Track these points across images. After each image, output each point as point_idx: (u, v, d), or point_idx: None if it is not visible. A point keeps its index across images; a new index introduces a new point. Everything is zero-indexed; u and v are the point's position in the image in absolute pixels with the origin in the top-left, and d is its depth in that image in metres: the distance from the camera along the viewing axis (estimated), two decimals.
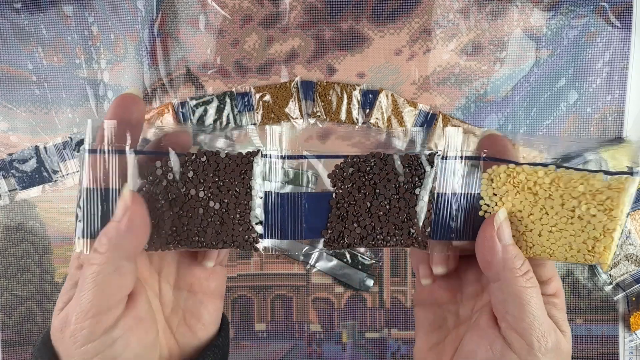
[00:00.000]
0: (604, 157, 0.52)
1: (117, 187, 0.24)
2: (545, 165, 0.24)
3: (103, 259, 0.22)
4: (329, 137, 0.54)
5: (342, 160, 0.26)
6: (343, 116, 0.53)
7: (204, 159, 0.25)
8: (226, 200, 0.25)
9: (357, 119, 0.53)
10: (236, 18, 0.53)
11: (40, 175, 0.53)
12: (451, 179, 0.26)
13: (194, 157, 0.25)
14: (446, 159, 0.26)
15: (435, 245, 0.26)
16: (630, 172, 0.23)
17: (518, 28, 0.52)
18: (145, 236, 0.24)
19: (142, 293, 0.25)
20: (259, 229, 0.27)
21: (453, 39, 0.52)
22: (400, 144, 0.54)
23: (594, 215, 0.23)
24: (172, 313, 0.29)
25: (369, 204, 0.25)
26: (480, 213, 0.25)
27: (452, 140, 0.26)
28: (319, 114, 0.53)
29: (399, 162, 0.26)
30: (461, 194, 0.25)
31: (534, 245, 0.24)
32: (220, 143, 0.51)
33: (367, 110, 0.53)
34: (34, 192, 0.54)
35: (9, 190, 0.54)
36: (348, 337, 0.55)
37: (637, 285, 0.52)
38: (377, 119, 0.53)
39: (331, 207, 0.26)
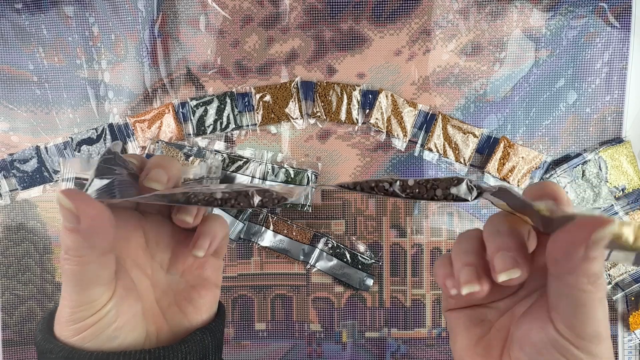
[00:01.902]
0: (603, 158, 0.52)
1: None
2: None
3: (70, 260, 0.24)
4: (328, 137, 0.54)
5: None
6: (343, 116, 0.53)
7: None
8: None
9: (357, 119, 0.53)
10: (236, 19, 0.53)
11: (41, 175, 0.53)
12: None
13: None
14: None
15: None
16: None
17: (517, 28, 0.52)
18: (102, 231, 0.23)
19: (123, 269, 0.27)
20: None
21: (452, 39, 0.52)
22: (399, 144, 0.54)
23: None
24: (163, 294, 0.30)
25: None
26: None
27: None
28: (319, 114, 0.53)
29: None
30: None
31: None
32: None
33: (367, 111, 0.53)
34: (34, 192, 0.54)
35: (10, 190, 0.54)
36: (348, 337, 0.55)
37: (636, 285, 0.52)
38: (377, 119, 0.53)
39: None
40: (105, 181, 0.25)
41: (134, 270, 0.28)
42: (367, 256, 0.54)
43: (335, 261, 0.54)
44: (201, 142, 0.54)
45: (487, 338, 0.27)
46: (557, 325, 0.23)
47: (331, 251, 0.54)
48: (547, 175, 0.53)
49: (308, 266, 0.54)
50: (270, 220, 0.54)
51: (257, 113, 0.53)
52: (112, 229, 0.24)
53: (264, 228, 0.54)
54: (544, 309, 0.24)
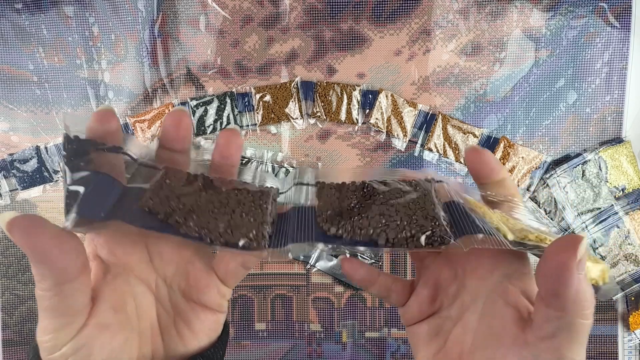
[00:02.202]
0: (604, 158, 0.52)
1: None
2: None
3: (41, 287, 0.23)
4: (328, 137, 0.54)
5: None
6: (343, 116, 0.53)
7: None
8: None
9: (357, 119, 0.53)
10: (236, 19, 0.53)
11: (41, 175, 0.53)
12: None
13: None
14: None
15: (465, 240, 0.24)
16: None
17: (517, 28, 0.52)
18: (50, 260, 0.22)
19: (106, 300, 0.25)
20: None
21: (453, 39, 0.52)
22: (399, 144, 0.54)
23: None
24: (164, 312, 0.28)
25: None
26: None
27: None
28: (319, 114, 0.53)
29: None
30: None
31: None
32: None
33: (367, 111, 0.53)
34: (35, 192, 0.54)
35: (10, 190, 0.54)
36: (348, 337, 0.55)
37: (636, 285, 0.52)
38: (377, 119, 0.53)
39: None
40: (81, 189, 0.23)
41: (139, 285, 0.27)
42: (367, 256, 0.54)
43: (335, 261, 0.54)
44: (202, 142, 0.54)
45: (443, 351, 0.28)
46: (541, 354, 0.23)
47: (331, 251, 0.54)
48: (547, 175, 0.53)
49: (308, 266, 0.54)
50: None
51: (257, 113, 0.53)
52: (69, 258, 0.22)
53: None
54: (518, 335, 0.24)
